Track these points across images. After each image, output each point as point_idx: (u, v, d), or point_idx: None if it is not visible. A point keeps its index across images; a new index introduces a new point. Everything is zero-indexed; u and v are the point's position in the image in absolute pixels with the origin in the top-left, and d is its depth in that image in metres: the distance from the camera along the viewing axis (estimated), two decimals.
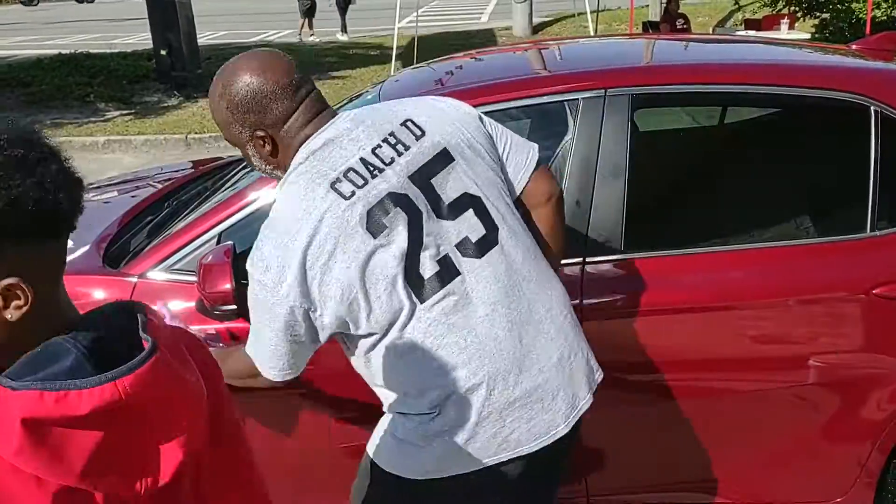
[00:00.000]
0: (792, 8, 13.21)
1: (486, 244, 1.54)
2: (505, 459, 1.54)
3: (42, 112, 10.34)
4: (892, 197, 2.16)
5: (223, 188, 2.59)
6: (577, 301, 2.14)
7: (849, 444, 2.22)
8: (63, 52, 13.12)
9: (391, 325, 1.49)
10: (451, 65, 2.88)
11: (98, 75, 11.66)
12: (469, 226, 1.53)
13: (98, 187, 3.64)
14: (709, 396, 2.21)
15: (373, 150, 1.52)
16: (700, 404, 2.22)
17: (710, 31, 12.21)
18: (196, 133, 9.18)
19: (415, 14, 13.16)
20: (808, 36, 12.14)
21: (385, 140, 1.54)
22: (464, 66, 2.84)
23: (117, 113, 10.35)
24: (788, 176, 2.56)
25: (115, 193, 3.37)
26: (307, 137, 1.55)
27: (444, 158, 1.55)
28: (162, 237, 2.37)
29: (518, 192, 1.68)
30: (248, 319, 1.62)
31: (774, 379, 2.19)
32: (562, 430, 1.57)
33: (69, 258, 2.60)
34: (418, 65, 3.37)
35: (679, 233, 2.29)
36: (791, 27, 11.62)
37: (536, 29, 16.84)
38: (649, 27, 12.15)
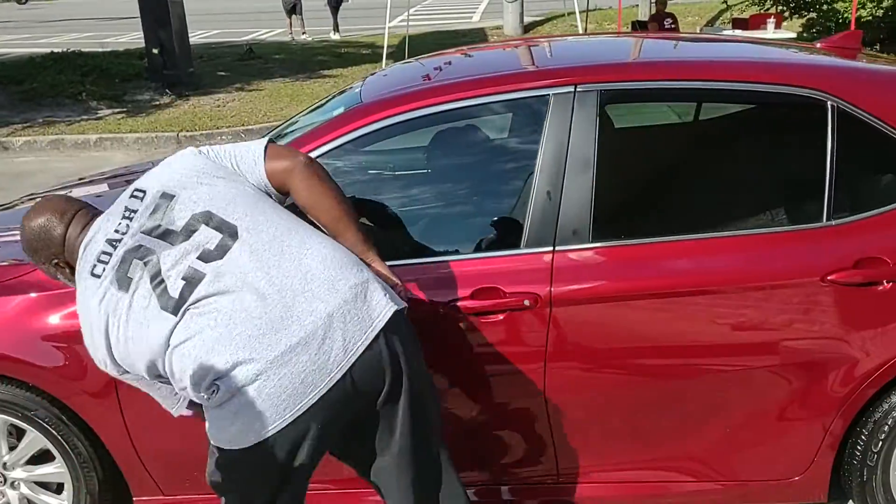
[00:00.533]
0: (779, 7, 13.33)
1: (225, 246, 1.78)
2: (293, 417, 1.70)
3: (34, 110, 10.40)
4: (848, 188, 2.27)
5: None
6: (548, 288, 2.24)
7: (806, 425, 2.32)
8: (55, 50, 13.16)
9: (168, 339, 1.75)
10: (433, 61, 2.98)
11: (90, 74, 11.72)
12: (205, 238, 1.79)
13: (90, 182, 3.72)
14: (673, 379, 2.30)
15: (114, 230, 1.86)
16: (664, 387, 2.31)
17: (698, 31, 12.30)
18: (188, 131, 9.25)
19: (406, 13, 13.24)
20: (794, 35, 12.26)
21: (122, 217, 1.88)
22: (443, 62, 2.93)
23: (109, 111, 10.42)
24: (750, 168, 2.66)
25: (106, 188, 3.45)
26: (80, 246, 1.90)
27: (165, 199, 1.86)
28: None
29: (271, 188, 1.93)
30: None
31: (736, 362, 2.28)
32: (336, 374, 1.72)
33: None
34: (406, 60, 3.47)
35: (644, 223, 2.39)
36: (778, 26, 11.71)
37: (527, 28, 16.94)
38: (637, 26, 12.26)
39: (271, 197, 1.94)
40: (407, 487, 1.95)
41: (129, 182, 3.45)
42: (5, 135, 9.37)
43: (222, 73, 12.82)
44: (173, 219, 1.82)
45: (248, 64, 13.63)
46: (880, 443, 2.32)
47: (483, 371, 2.32)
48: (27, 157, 8.86)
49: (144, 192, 1.90)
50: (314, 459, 1.82)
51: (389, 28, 12.53)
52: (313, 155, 2.36)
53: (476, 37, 16.08)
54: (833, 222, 2.24)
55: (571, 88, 2.31)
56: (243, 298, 1.72)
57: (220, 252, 1.77)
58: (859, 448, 2.35)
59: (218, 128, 9.35)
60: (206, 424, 1.81)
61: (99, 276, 1.82)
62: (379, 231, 2.50)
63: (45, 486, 2.59)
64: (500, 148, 2.76)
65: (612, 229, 2.31)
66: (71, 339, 2.38)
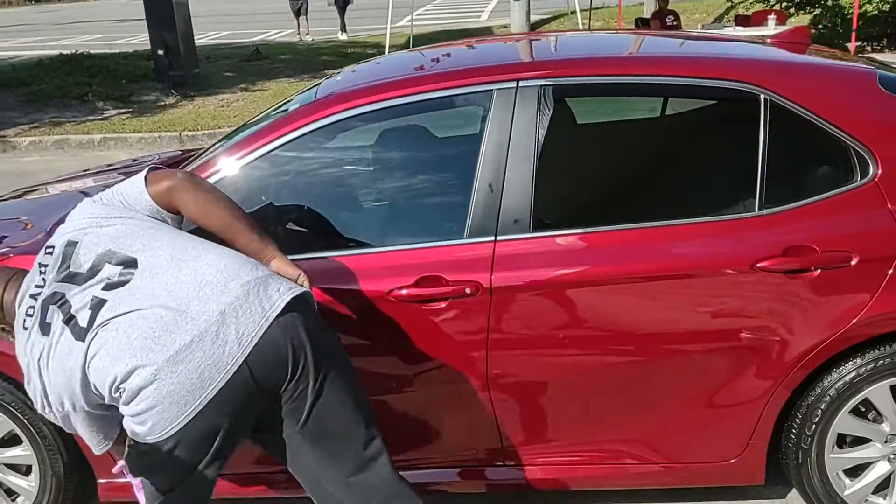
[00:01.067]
0: (784, 4, 13.32)
1: (127, 277, 1.92)
2: (196, 412, 1.80)
3: (41, 111, 10.59)
4: (780, 178, 2.33)
5: None
6: (489, 277, 2.32)
7: (740, 409, 2.38)
8: (65, 52, 13.37)
9: (84, 362, 1.88)
10: (398, 58, 3.09)
11: (97, 75, 11.92)
12: (108, 273, 1.94)
13: (99, 171, 3.82)
14: (611, 365, 2.37)
15: (35, 286, 2.02)
16: (603, 372, 2.38)
17: (700, 28, 12.33)
18: (189, 130, 9.39)
19: (418, 12, 13.34)
20: None
21: (38, 273, 2.04)
22: (405, 59, 3.03)
23: (115, 111, 10.59)
24: (687, 161, 2.72)
25: (119, 177, 3.51)
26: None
27: (71, 247, 2.01)
28: None
29: (162, 211, 2.05)
30: None
31: (671, 348, 2.34)
32: (232, 367, 1.81)
33: (27, 241, 2.80)
34: (376, 58, 3.56)
35: (583, 214, 2.46)
36: (782, 23, 11.70)
37: (534, 26, 16.99)
38: (640, 23, 12.31)
39: (167, 222, 2.06)
40: (321, 474, 1.99)
41: (128, 173, 3.58)
42: (13, 135, 9.56)
43: (228, 74, 12.98)
44: (80, 263, 1.97)
45: (254, 64, 13.80)
46: (814, 426, 2.38)
47: (427, 357, 2.39)
48: (32, 156, 9.04)
49: (53, 246, 2.05)
50: (223, 450, 1.89)
51: (398, 27, 12.64)
52: (266, 150, 2.47)
53: (482, 35, 16.14)
54: (764, 212, 2.30)
55: (514, 84, 2.39)
56: (142, 312, 1.85)
57: (122, 283, 1.91)
58: (794, 431, 2.41)
59: (220, 127, 9.48)
60: (123, 419, 1.91)
61: (27, 329, 1.97)
62: (330, 223, 2.60)
63: (14, 468, 2.70)
64: (446, 142, 2.85)
65: (552, 220, 2.39)
66: None
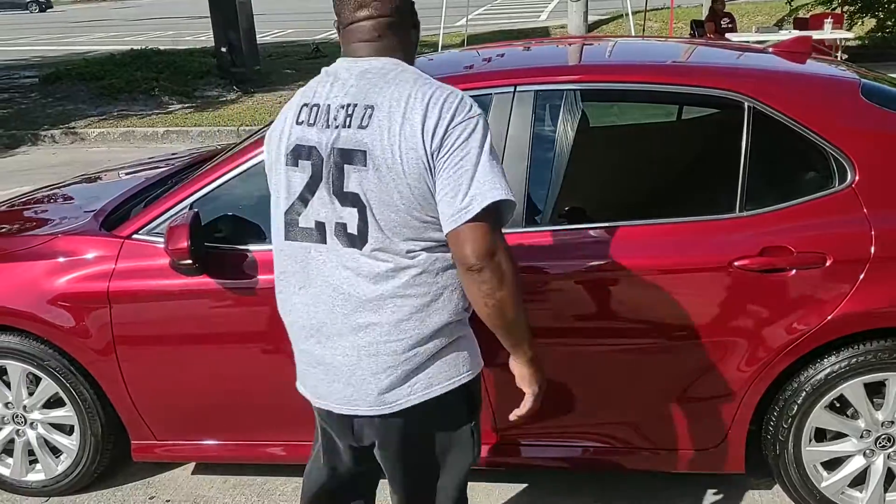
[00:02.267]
0: (846, 8, 13.06)
1: (351, 242, 1.68)
2: (315, 405, 1.90)
3: (110, 104, 11.15)
4: (758, 182, 2.45)
5: (204, 166, 3.03)
6: None
7: (719, 400, 2.51)
8: (135, 48, 13.99)
9: (273, 234, 1.84)
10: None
11: (164, 70, 12.46)
12: (350, 219, 1.67)
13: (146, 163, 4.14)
14: (598, 353, 2.53)
15: (334, 107, 1.69)
16: (590, 360, 2.54)
17: (754, 30, 12.21)
18: (247, 125, 9.76)
19: (476, 12, 13.57)
20: (850, 35, 12.02)
21: (348, 105, 1.67)
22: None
23: (179, 106, 11.08)
24: (673, 164, 2.84)
25: (165, 167, 3.80)
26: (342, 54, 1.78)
27: (361, 158, 1.64)
28: (144, 206, 2.83)
29: (438, 240, 1.70)
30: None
31: (654, 340, 2.48)
32: (334, 407, 1.82)
33: (74, 224, 3.16)
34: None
35: (574, 211, 2.61)
36: (840, 26, 11.52)
37: (592, 27, 16.99)
38: (695, 26, 12.26)
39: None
40: None
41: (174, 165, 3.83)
42: (83, 126, 10.11)
43: (288, 71, 13.39)
44: (349, 178, 1.65)
45: (313, 62, 14.18)
46: (790, 419, 2.49)
47: None
48: (100, 147, 9.56)
49: (369, 124, 1.65)
50: (335, 454, 2.01)
51: (457, 27, 12.86)
52: None
53: (538, 35, 16.24)
54: (744, 213, 2.43)
55: (511, 89, 2.57)
56: (307, 301, 1.78)
57: (346, 243, 1.69)
58: (772, 424, 2.53)
59: None
60: None
61: (297, 116, 1.74)
62: None
63: (59, 427, 3.00)
64: None
65: (544, 216, 2.55)
66: (80, 300, 2.76)
